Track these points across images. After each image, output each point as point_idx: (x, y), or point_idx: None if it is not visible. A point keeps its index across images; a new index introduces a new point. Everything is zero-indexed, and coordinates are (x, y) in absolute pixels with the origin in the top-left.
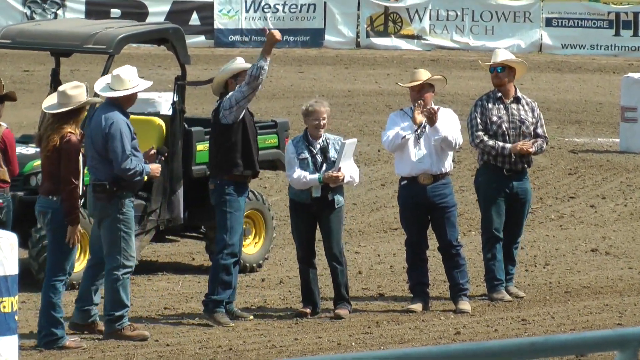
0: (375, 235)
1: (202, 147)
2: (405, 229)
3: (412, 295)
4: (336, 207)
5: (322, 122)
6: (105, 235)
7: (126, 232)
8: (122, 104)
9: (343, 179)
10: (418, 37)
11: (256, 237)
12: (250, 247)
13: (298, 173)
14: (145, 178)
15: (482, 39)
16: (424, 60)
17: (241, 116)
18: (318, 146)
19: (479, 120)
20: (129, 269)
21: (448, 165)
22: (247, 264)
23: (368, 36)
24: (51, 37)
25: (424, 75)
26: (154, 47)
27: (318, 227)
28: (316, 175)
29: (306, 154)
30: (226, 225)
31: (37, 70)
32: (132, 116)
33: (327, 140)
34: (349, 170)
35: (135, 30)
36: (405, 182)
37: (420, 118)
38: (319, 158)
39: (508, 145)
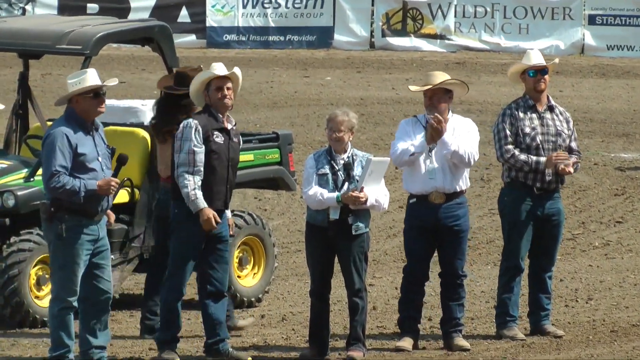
0: (392, 264)
1: None
2: (407, 254)
3: (399, 331)
4: (354, 233)
5: (339, 135)
6: (50, 262)
7: (65, 261)
8: (77, 111)
9: (365, 201)
10: (441, 37)
11: (255, 267)
12: (248, 279)
13: (315, 190)
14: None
15: (515, 39)
16: (448, 63)
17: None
18: (341, 162)
19: (507, 132)
20: (68, 305)
21: (463, 182)
22: (245, 298)
23: (384, 35)
24: (19, 36)
25: (439, 78)
26: (137, 47)
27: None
28: (334, 194)
29: (326, 169)
30: (170, 251)
31: (3, 74)
32: (111, 127)
33: (354, 156)
34: (375, 192)
35: (116, 29)
36: (414, 200)
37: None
38: (341, 175)
39: (543, 159)
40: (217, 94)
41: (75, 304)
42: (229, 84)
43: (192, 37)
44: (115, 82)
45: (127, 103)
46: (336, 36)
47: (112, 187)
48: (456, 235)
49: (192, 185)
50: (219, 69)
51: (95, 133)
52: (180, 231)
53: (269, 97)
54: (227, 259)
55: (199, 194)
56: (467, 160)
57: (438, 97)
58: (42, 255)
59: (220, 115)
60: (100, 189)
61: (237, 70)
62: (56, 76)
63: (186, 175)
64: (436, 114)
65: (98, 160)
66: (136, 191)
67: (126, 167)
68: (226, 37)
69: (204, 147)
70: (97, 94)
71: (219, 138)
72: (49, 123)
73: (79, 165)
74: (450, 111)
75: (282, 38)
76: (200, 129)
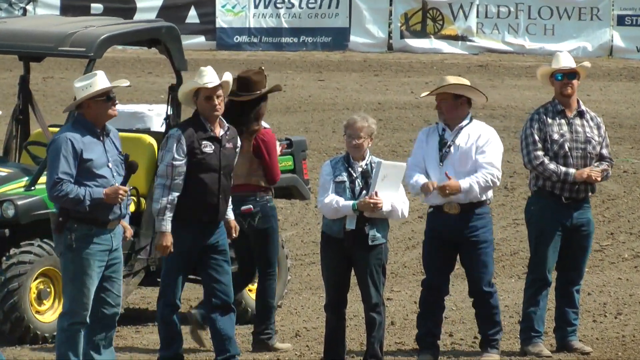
0: (411, 277)
1: None
2: (425, 267)
3: (418, 347)
4: (370, 243)
5: (359, 142)
6: (61, 274)
7: (76, 273)
8: (87, 116)
9: (380, 207)
10: (463, 38)
11: None
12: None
13: (330, 198)
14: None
15: (541, 41)
16: (470, 66)
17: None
18: (359, 169)
19: (536, 137)
20: (79, 320)
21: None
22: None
23: (402, 37)
24: (19, 38)
25: (450, 81)
26: (143, 49)
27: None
28: (350, 202)
29: (344, 177)
30: (163, 266)
31: (2, 78)
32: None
33: (372, 164)
34: (391, 198)
35: (121, 30)
36: (432, 210)
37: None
38: (359, 183)
39: (572, 171)
40: (206, 104)
41: (87, 319)
42: (220, 92)
43: (201, 38)
44: (127, 83)
45: (133, 108)
46: (352, 38)
47: (121, 196)
48: (474, 247)
49: (165, 202)
50: (209, 76)
51: (106, 138)
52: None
53: (281, 101)
54: (228, 269)
55: (168, 215)
56: (492, 184)
57: (447, 104)
58: (43, 268)
59: (210, 124)
60: (108, 197)
61: (227, 76)
62: (58, 80)
63: (161, 190)
64: (428, 183)
65: (108, 166)
66: (142, 200)
67: (134, 177)
68: (237, 38)
69: (185, 159)
70: (109, 97)
71: (207, 147)
72: (51, 129)
73: (85, 172)
74: (470, 118)
75: (295, 40)
76: (185, 140)
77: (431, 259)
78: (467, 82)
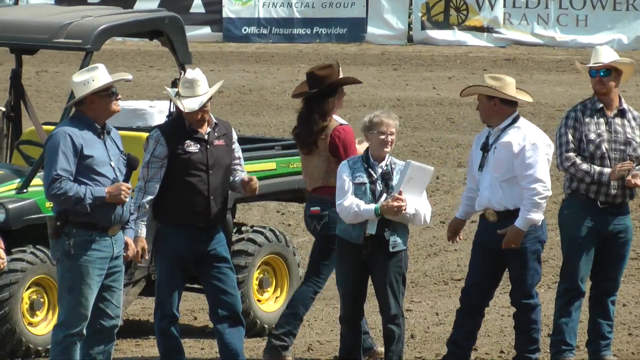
0: (432, 287)
1: None
2: (467, 274)
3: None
4: (391, 249)
5: (391, 138)
6: (57, 283)
7: (74, 282)
8: (88, 113)
9: (404, 210)
10: (489, 30)
11: (277, 289)
12: (270, 303)
13: (350, 200)
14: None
15: (572, 32)
16: (497, 60)
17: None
18: (379, 170)
19: (570, 137)
20: (76, 332)
21: (521, 201)
22: (266, 325)
23: (423, 28)
24: (11, 29)
25: (489, 82)
26: (144, 41)
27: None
28: (372, 206)
29: (364, 179)
30: (156, 274)
31: None
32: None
33: (392, 165)
34: (414, 202)
35: (120, 20)
36: (482, 213)
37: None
38: (379, 185)
39: (607, 170)
40: (189, 117)
41: (85, 331)
42: (208, 105)
43: (207, 29)
44: (130, 77)
45: (133, 104)
46: (369, 29)
47: (124, 193)
48: (512, 257)
49: (137, 205)
50: (191, 101)
51: (107, 136)
52: (157, 253)
53: (291, 98)
54: (233, 277)
55: (142, 219)
56: (540, 197)
57: (481, 105)
58: (36, 277)
59: (193, 125)
60: (110, 196)
61: (216, 87)
62: (52, 74)
63: (136, 193)
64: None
65: (110, 165)
66: None
67: (134, 175)
68: (245, 29)
69: (165, 160)
70: (112, 92)
71: (192, 147)
72: (45, 127)
73: (86, 169)
74: (513, 119)
75: (308, 31)
76: (164, 141)
77: (472, 267)
78: (506, 82)
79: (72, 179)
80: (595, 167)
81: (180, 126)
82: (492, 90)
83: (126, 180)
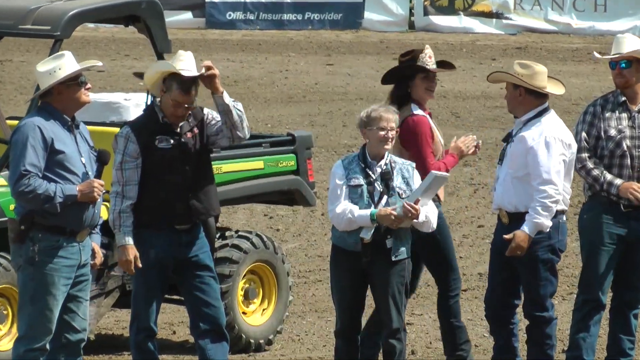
0: (434, 299)
1: None
2: (488, 282)
3: None
4: (393, 258)
5: (391, 134)
6: (18, 293)
7: (37, 292)
8: (56, 105)
9: (417, 216)
10: (498, 16)
11: (264, 301)
12: (256, 316)
13: (343, 206)
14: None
15: (590, 19)
16: (507, 49)
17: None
18: (378, 170)
19: (584, 135)
20: (38, 347)
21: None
22: (252, 340)
23: (426, 13)
24: None
25: (518, 70)
26: (119, 28)
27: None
28: (368, 211)
29: (360, 180)
30: (133, 284)
31: None
32: (87, 127)
33: (392, 164)
34: (425, 208)
35: (93, 5)
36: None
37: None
38: (378, 187)
39: (618, 182)
40: (174, 109)
41: (48, 346)
42: (192, 99)
43: (188, 14)
44: (100, 64)
45: (106, 97)
46: (367, 14)
47: (97, 191)
48: (524, 264)
49: (117, 212)
50: (187, 63)
51: (76, 131)
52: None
53: (282, 90)
54: (217, 287)
55: (126, 225)
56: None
57: (507, 94)
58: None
59: (166, 117)
60: (82, 194)
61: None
62: (18, 63)
63: (114, 199)
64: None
65: (81, 162)
66: None
67: (106, 174)
68: (230, 15)
69: (139, 159)
70: (81, 81)
71: (163, 142)
72: (9, 122)
73: (55, 166)
74: (539, 112)
75: (299, 17)
76: (134, 138)
77: (490, 273)
78: (535, 70)
79: (40, 175)
80: (607, 175)
81: (151, 120)
82: (516, 78)
83: (98, 176)
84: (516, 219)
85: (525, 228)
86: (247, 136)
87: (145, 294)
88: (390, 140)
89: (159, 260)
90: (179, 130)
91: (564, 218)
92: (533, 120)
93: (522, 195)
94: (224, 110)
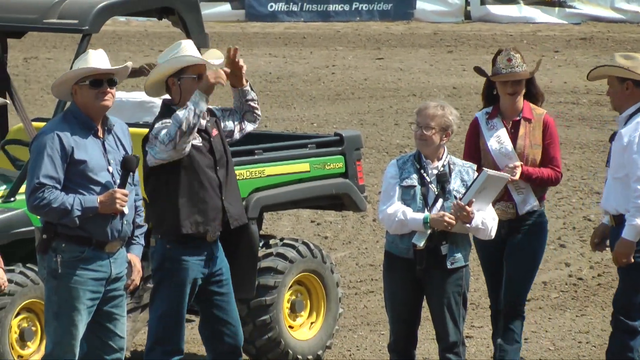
0: None
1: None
2: None
3: None
4: (449, 267)
5: (427, 133)
6: (44, 307)
7: (62, 307)
8: (80, 107)
9: (469, 219)
10: (560, 4)
11: (312, 314)
12: (303, 330)
13: (396, 207)
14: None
15: None
16: (570, 39)
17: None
18: (434, 171)
19: None
20: None
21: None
22: (299, 356)
23: (483, 2)
24: None
25: (620, 62)
26: (152, 21)
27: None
28: (421, 215)
29: (414, 181)
30: (160, 307)
31: None
32: None
33: (451, 165)
34: (481, 212)
35: None
36: None
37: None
38: (434, 189)
39: None
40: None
41: None
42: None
43: (227, 6)
44: (129, 66)
45: (139, 96)
46: (419, 4)
47: (120, 201)
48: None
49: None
50: (191, 50)
51: (108, 136)
52: (165, 279)
53: (329, 86)
54: (234, 304)
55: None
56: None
57: (611, 89)
58: (26, 301)
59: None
60: (103, 206)
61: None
62: (44, 60)
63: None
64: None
65: (108, 171)
66: None
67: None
68: (272, 6)
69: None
70: (96, 82)
71: (196, 140)
72: (35, 124)
73: (77, 176)
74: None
75: (346, 7)
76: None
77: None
78: None
79: (59, 187)
80: None
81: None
82: (625, 71)
83: (122, 185)
84: (621, 222)
85: (625, 234)
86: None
87: (176, 314)
88: (425, 140)
89: (195, 278)
90: (205, 128)
91: None
92: (635, 115)
93: (621, 198)
94: (252, 99)
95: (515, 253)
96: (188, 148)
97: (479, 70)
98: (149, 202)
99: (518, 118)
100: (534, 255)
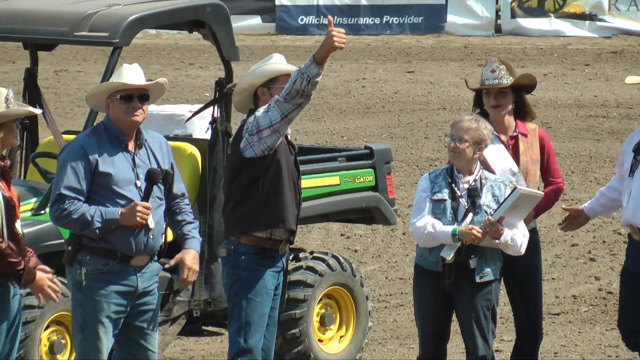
0: None
1: None
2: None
3: None
4: (478, 280)
5: (460, 146)
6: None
7: (87, 320)
8: (115, 123)
9: (498, 235)
10: (591, 17)
11: (342, 327)
12: (333, 343)
13: (426, 220)
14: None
15: None
16: (601, 53)
17: (276, 145)
18: (465, 186)
19: None
20: None
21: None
22: None
23: (514, 16)
24: (24, 21)
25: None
26: (182, 34)
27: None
28: (449, 228)
29: (445, 195)
30: (240, 318)
31: (3, 71)
32: None
33: (483, 180)
34: (512, 229)
35: (154, 10)
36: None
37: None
38: (464, 203)
39: None
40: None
41: None
42: None
43: (257, 19)
44: (162, 83)
45: (169, 109)
46: (449, 17)
47: (141, 214)
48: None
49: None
50: (282, 62)
51: (139, 150)
52: (249, 282)
53: (359, 100)
54: (275, 317)
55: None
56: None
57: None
58: (56, 314)
59: None
60: (124, 218)
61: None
62: (74, 73)
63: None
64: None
65: (136, 185)
66: None
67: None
68: (302, 19)
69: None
70: (127, 97)
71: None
72: (66, 137)
73: (102, 188)
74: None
75: (377, 20)
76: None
77: (621, 299)
78: None
79: (82, 198)
80: None
81: None
82: None
83: (145, 198)
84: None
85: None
86: None
87: (259, 324)
88: (457, 153)
89: (270, 287)
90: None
91: None
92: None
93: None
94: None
95: (518, 279)
96: (295, 114)
97: (466, 82)
98: (237, 203)
99: (515, 134)
100: (536, 275)
